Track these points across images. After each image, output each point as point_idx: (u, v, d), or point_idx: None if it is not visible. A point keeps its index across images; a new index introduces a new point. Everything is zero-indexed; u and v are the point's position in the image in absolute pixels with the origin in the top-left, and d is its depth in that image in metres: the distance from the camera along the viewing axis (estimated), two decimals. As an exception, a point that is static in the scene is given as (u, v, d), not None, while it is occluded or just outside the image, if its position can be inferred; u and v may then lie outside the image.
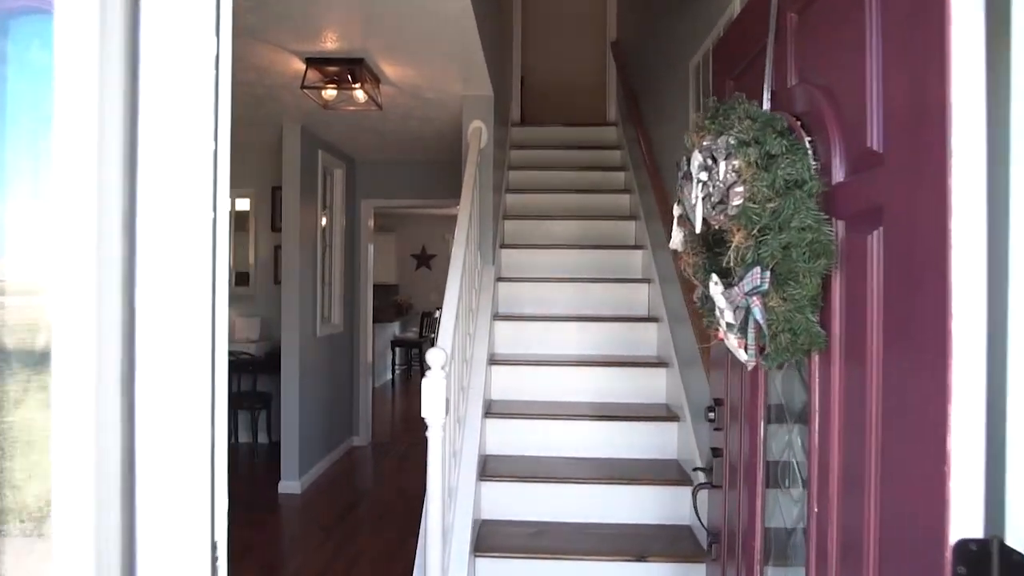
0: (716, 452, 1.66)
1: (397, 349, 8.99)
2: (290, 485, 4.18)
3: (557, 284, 3.60)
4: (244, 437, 5.32)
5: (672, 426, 2.84)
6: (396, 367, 8.93)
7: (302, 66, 2.96)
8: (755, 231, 1.02)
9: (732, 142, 1.09)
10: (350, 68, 2.92)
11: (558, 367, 3.12)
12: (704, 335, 2.44)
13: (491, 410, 2.90)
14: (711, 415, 1.66)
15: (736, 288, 1.06)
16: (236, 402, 5.03)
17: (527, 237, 4.02)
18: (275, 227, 5.22)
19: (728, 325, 1.16)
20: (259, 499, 4.06)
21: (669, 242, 1.47)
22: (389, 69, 3.07)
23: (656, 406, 3.03)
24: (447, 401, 2.04)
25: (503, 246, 3.82)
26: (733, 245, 1.06)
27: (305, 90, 2.99)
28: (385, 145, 4.80)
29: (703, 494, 1.75)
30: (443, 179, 5.29)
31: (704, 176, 1.18)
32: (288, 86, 3.29)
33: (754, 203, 1.01)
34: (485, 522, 2.60)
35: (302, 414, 4.23)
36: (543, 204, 4.28)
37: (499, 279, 3.57)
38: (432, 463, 1.96)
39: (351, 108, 3.31)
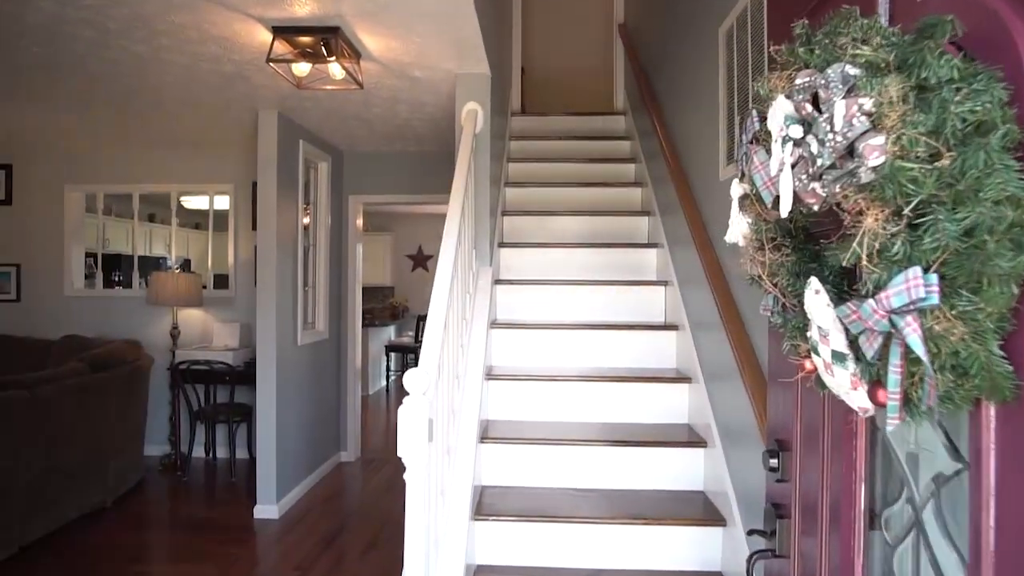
0: (779, 511, 1.27)
1: (392, 354, 8.58)
2: (267, 510, 3.78)
3: (562, 287, 3.21)
4: (222, 452, 4.93)
5: (698, 453, 2.44)
6: (391, 373, 8.53)
7: (270, 37, 2.57)
8: (907, 208, 0.62)
9: (853, 72, 0.70)
10: (324, 39, 2.52)
11: (564, 382, 2.73)
12: (743, 346, 2.04)
13: (487, 434, 2.50)
14: (772, 462, 1.26)
15: (870, 302, 0.66)
16: (212, 415, 4.63)
17: (529, 235, 3.64)
18: (257, 226, 4.83)
19: (836, 355, 0.77)
20: (231, 526, 3.66)
21: (726, 235, 1.08)
22: (370, 41, 2.68)
23: (677, 428, 2.63)
24: (431, 430, 1.65)
25: (502, 245, 3.43)
26: (862, 232, 0.67)
27: (272, 65, 2.60)
28: (373, 135, 4.41)
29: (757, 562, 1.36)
30: (438, 173, 4.90)
31: (797, 131, 0.79)
32: (257, 63, 2.90)
33: (908, 162, 0.62)
34: (480, 568, 2.20)
35: (280, 432, 3.83)
36: (546, 198, 3.90)
37: (497, 282, 3.18)
38: (411, 515, 1.56)
39: (328, 87, 2.91)
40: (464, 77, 3.04)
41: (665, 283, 3.15)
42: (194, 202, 6.05)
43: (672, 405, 2.71)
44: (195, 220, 7.29)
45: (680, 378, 2.71)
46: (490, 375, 2.72)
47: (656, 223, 3.41)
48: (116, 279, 6.16)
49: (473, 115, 2.89)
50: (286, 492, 3.93)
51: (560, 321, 3.07)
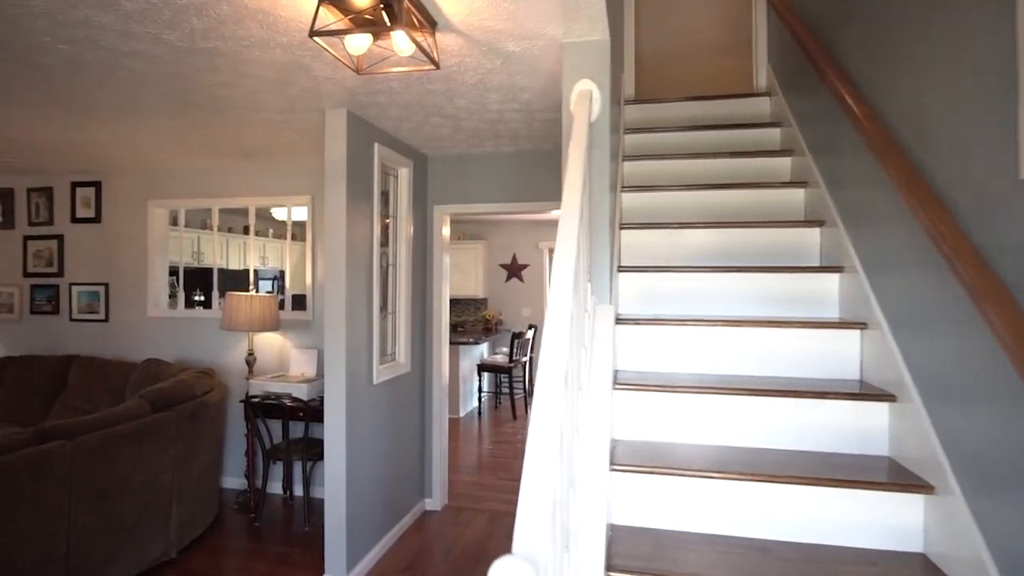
0: None
1: (485, 374, 7.96)
2: (336, 582, 3.20)
3: (707, 329, 2.35)
4: (299, 491, 4.47)
5: (960, 618, 1.51)
6: (483, 393, 7.91)
7: (315, 3, 1.92)
8: None
9: None
10: (384, 1, 1.84)
11: (723, 480, 1.87)
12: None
13: (614, 561, 1.70)
14: None
15: None
16: (286, 452, 4.16)
17: (651, 255, 2.80)
18: (324, 244, 4.32)
19: None
20: (296, 600, 3.11)
21: None
22: (447, 2, 1.96)
23: (909, 561, 1.70)
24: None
25: (620, 269, 2.61)
26: None
27: (318, 41, 1.95)
28: (459, 134, 3.73)
29: None
30: (535, 177, 4.17)
31: None
32: (309, 45, 2.28)
33: None
34: None
35: (351, 490, 3.24)
36: (670, 205, 3.04)
37: (618, 321, 2.37)
38: None
39: (396, 70, 2.24)
40: (573, 47, 2.26)
41: (862, 326, 2.20)
42: (285, 214, 5.71)
43: (896, 518, 1.78)
44: (293, 232, 7.06)
45: (907, 484, 1.77)
46: (615, 463, 1.92)
47: (837, 237, 2.46)
48: (197, 299, 5.95)
49: (587, 97, 2.09)
50: (358, 559, 3.33)
51: (708, 380, 2.21)
